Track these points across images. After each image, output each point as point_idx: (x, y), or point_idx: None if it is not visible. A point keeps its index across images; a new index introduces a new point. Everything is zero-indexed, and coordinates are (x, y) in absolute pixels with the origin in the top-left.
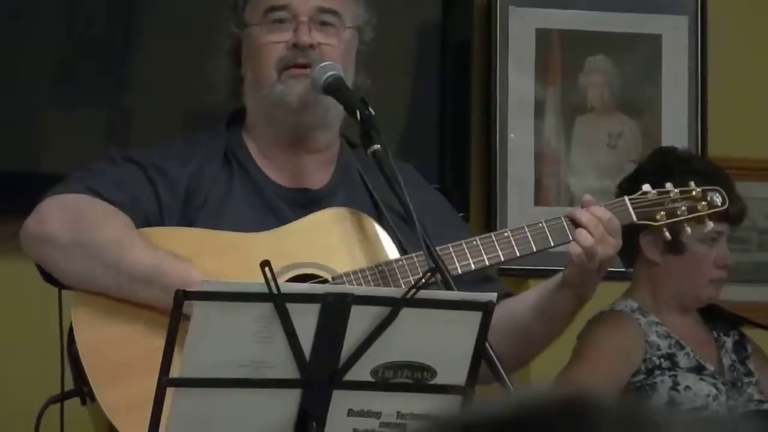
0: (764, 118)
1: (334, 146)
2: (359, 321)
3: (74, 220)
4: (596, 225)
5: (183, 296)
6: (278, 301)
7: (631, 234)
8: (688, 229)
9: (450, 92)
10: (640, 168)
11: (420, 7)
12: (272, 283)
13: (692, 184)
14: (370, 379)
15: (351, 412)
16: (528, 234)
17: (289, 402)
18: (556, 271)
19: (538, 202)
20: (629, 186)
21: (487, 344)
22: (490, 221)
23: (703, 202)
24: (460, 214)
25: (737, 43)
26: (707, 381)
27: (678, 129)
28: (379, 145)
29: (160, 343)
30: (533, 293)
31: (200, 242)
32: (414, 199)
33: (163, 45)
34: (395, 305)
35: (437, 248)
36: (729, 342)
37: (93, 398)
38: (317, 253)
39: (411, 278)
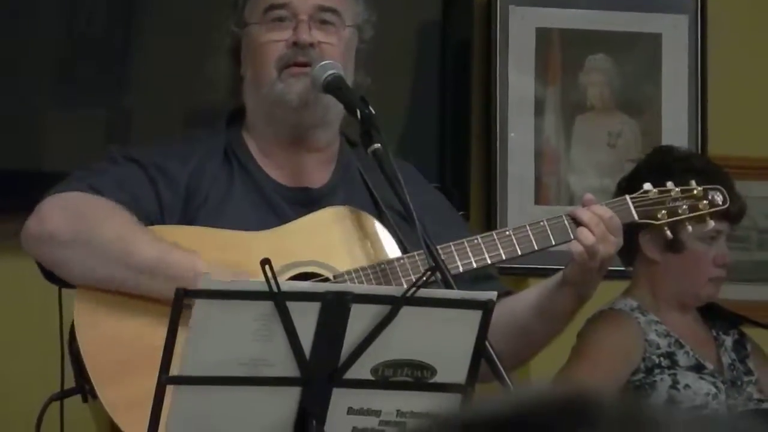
0: (764, 117)
1: (334, 145)
2: (359, 319)
3: (75, 216)
4: (597, 223)
5: (183, 294)
6: (278, 299)
7: (630, 233)
8: (689, 228)
9: (450, 91)
10: (639, 167)
11: (420, 6)
12: (272, 282)
13: (693, 183)
14: (370, 378)
15: (351, 411)
16: (530, 232)
17: (288, 400)
18: (555, 270)
19: (538, 200)
20: (628, 185)
21: (487, 343)
22: (490, 220)
23: (705, 201)
24: (460, 213)
25: (737, 43)
26: (707, 380)
27: (678, 128)
28: (379, 144)
29: (162, 341)
30: (533, 292)
31: (201, 240)
32: (414, 198)
33: (163, 45)
34: (395, 304)
35: (439, 247)
36: (728, 341)
37: (95, 396)
38: (318, 251)
39: (412, 277)
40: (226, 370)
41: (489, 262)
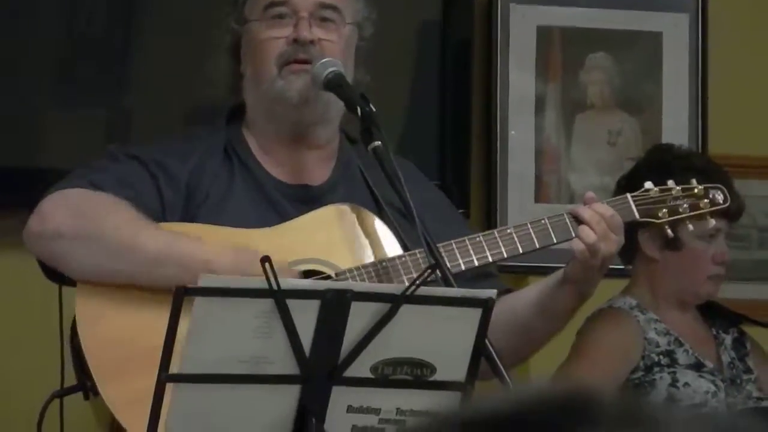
0: (765, 115)
1: (334, 142)
2: (359, 317)
3: (78, 212)
4: (599, 222)
5: (184, 293)
6: (278, 297)
7: (630, 231)
8: (690, 226)
9: (450, 89)
10: (639, 165)
11: (420, 5)
12: (272, 279)
13: (694, 181)
14: (370, 376)
15: (350, 408)
16: (531, 231)
17: (288, 398)
18: (555, 268)
19: (538, 198)
20: (628, 183)
21: (486, 341)
22: (490, 218)
23: (705, 200)
24: (461, 211)
25: (738, 41)
26: (706, 378)
27: (678, 126)
28: (379, 142)
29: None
30: (534, 289)
31: (203, 238)
32: (414, 196)
33: (163, 45)
34: (395, 302)
35: (440, 245)
36: (728, 339)
37: (96, 393)
38: (319, 249)
39: (413, 274)
40: (226, 368)
41: (491, 259)
